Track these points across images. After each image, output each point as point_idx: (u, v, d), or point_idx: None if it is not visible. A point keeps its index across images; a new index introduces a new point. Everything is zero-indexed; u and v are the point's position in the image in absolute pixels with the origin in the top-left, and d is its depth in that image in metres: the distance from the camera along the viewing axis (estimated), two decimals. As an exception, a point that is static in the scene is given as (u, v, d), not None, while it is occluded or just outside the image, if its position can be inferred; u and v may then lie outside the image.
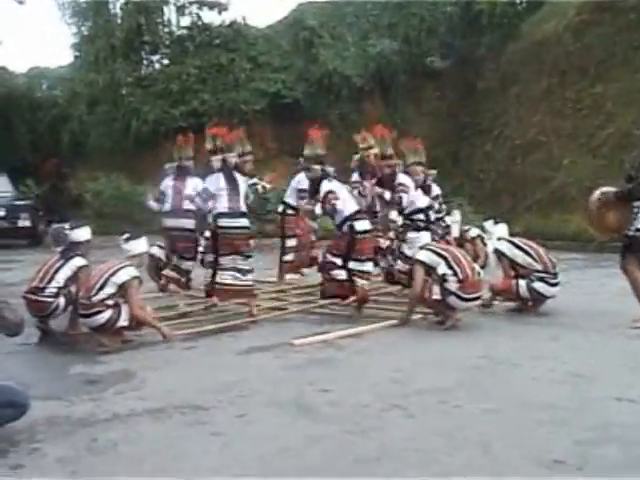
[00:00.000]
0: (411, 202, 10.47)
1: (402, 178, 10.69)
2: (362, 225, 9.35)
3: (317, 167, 10.25)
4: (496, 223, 10.33)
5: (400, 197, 10.36)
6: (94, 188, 25.53)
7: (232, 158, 9.72)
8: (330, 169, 10.14)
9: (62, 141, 29.19)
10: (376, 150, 10.58)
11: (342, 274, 9.34)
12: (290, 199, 12.10)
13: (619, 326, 8.41)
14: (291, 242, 12.02)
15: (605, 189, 8.83)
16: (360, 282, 9.34)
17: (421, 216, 10.46)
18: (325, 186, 9.52)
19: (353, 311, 9.54)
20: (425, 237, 9.20)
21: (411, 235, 9.63)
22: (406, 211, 10.49)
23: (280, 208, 12.21)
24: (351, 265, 9.33)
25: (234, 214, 9.37)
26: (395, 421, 5.33)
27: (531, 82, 22.48)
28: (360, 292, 9.38)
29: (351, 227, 9.29)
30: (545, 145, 20.95)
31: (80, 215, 15.77)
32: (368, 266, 9.47)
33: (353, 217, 9.35)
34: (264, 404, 5.78)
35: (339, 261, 9.35)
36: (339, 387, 6.24)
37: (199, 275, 10.53)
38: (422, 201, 10.65)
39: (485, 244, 10.58)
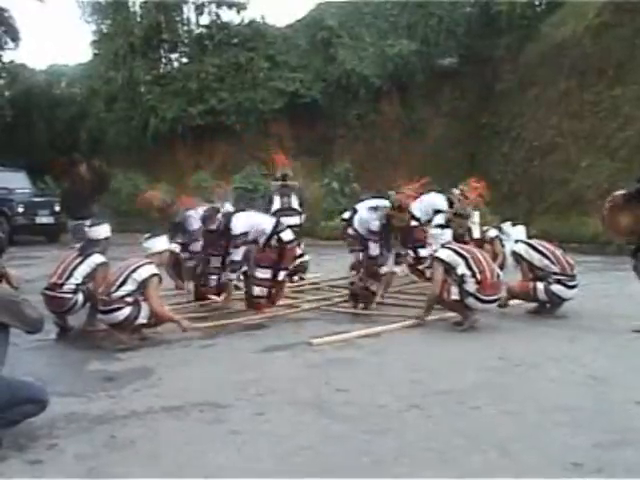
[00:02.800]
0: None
1: None
2: (288, 235, 9.73)
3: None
4: (514, 225, 10.31)
5: None
6: (112, 186, 25.63)
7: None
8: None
9: (80, 138, 29.30)
10: None
11: (263, 291, 9.71)
12: None
13: (635, 330, 8.38)
14: None
15: (617, 193, 8.80)
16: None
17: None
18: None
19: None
20: (448, 234, 9.17)
21: (434, 231, 9.61)
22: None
23: (347, 214, 11.94)
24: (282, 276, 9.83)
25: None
26: (413, 421, 5.33)
27: (549, 84, 22.40)
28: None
29: (279, 239, 9.67)
30: (563, 147, 20.87)
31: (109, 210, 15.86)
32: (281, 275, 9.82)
33: (277, 230, 9.70)
34: (282, 403, 5.80)
35: (268, 274, 9.66)
36: (357, 387, 6.25)
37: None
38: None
39: (503, 245, 10.55)
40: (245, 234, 9.62)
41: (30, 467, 4.52)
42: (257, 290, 9.68)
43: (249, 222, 9.73)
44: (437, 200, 11.27)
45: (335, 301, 10.58)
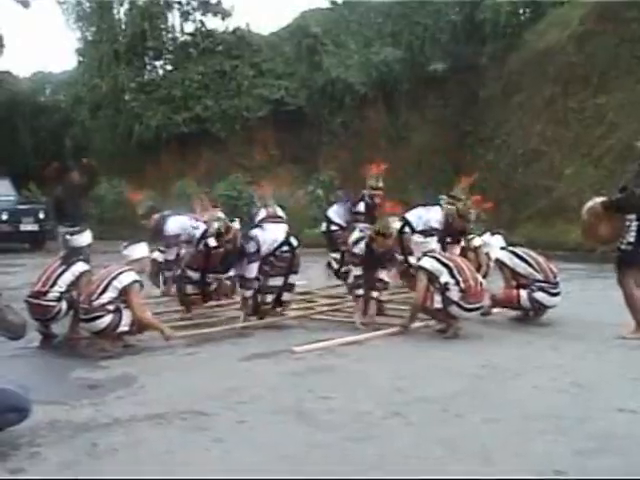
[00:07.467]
0: None
1: None
2: (212, 241, 9.91)
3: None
4: (493, 234, 10.32)
5: None
6: (96, 193, 25.57)
7: None
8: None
9: (65, 146, 29.24)
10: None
11: (190, 288, 10.14)
12: (337, 217, 11.86)
13: (620, 336, 8.41)
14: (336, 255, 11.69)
15: (597, 199, 8.81)
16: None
17: None
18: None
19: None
20: (432, 243, 9.16)
21: (417, 239, 9.58)
22: None
23: (324, 226, 12.01)
24: (209, 280, 10.20)
25: None
26: (395, 429, 5.32)
27: (534, 91, 22.48)
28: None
29: (205, 245, 9.98)
30: (547, 155, 20.96)
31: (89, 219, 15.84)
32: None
33: (205, 235, 10.05)
34: (264, 411, 5.78)
35: (197, 275, 10.08)
36: (339, 394, 6.24)
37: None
38: None
39: (487, 255, 10.54)
40: (177, 235, 10.47)
41: (11, 476, 4.49)
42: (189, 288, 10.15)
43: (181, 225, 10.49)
44: (434, 216, 10.88)
45: (319, 309, 10.58)
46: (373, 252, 9.41)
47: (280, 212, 10.43)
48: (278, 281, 9.59)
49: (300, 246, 9.88)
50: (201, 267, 10.07)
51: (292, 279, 9.77)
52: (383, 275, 9.64)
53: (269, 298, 9.61)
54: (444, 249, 9.88)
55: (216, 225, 9.73)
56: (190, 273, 10.10)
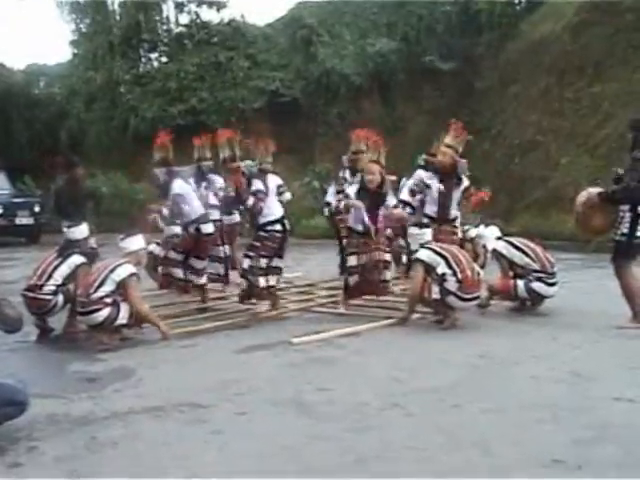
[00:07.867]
0: None
1: None
2: (207, 228, 10.06)
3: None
4: (487, 226, 10.31)
5: None
6: (92, 186, 25.50)
7: None
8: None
9: (60, 138, 29.15)
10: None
11: (179, 272, 10.09)
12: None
13: (618, 326, 8.41)
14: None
15: (591, 190, 8.82)
16: (198, 280, 10.23)
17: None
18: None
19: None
20: (428, 234, 9.15)
21: (413, 231, 9.57)
22: None
23: (327, 211, 11.96)
24: (191, 262, 10.14)
25: None
26: (394, 420, 5.32)
27: (529, 82, 22.48)
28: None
29: (197, 229, 9.98)
30: (543, 145, 20.94)
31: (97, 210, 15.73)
32: (204, 264, 10.33)
33: (200, 220, 10.01)
34: (263, 403, 5.78)
35: (180, 257, 10.06)
36: (338, 386, 6.24)
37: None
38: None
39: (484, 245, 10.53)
40: (180, 196, 9.96)
41: (9, 470, 4.48)
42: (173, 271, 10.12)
43: (187, 190, 10.13)
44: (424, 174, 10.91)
45: (318, 301, 10.57)
46: (367, 192, 9.48)
47: (279, 180, 10.35)
48: (265, 263, 9.54)
49: (290, 230, 9.95)
50: (186, 250, 9.98)
51: (277, 262, 9.65)
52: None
53: (261, 281, 9.47)
54: (448, 189, 9.99)
55: (227, 152, 9.79)
56: (173, 255, 10.02)
